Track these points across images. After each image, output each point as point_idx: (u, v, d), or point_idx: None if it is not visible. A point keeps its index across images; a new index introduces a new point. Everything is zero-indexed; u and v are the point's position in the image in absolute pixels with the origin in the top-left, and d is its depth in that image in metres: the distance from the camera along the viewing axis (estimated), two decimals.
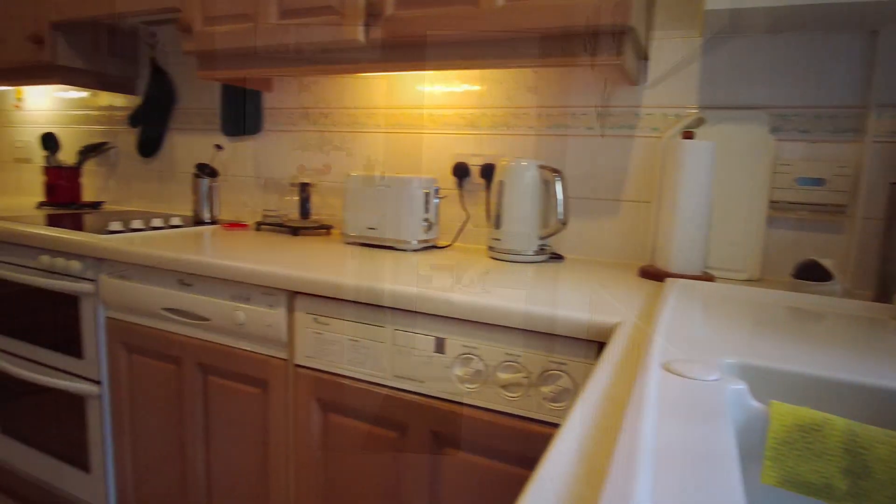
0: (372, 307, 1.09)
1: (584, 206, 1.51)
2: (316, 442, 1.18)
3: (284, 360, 1.20)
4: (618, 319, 0.88)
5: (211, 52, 1.60)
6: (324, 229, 1.75)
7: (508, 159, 1.40)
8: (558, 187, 1.34)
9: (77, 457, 1.59)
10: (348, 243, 1.56)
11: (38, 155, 2.55)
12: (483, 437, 1.00)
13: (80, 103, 2.41)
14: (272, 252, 1.36)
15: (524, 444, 0.97)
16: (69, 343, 1.54)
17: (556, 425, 0.95)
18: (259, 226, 1.79)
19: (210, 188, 1.86)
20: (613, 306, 0.96)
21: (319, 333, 1.14)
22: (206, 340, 1.31)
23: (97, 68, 2.06)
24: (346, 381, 1.13)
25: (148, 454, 1.46)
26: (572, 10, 1.13)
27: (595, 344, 0.92)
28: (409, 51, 1.35)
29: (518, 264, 1.35)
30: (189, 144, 2.13)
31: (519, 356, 0.96)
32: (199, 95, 2.09)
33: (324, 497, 1.19)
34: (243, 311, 1.23)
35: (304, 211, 1.72)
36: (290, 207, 1.76)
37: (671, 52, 1.39)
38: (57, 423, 1.62)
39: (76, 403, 1.56)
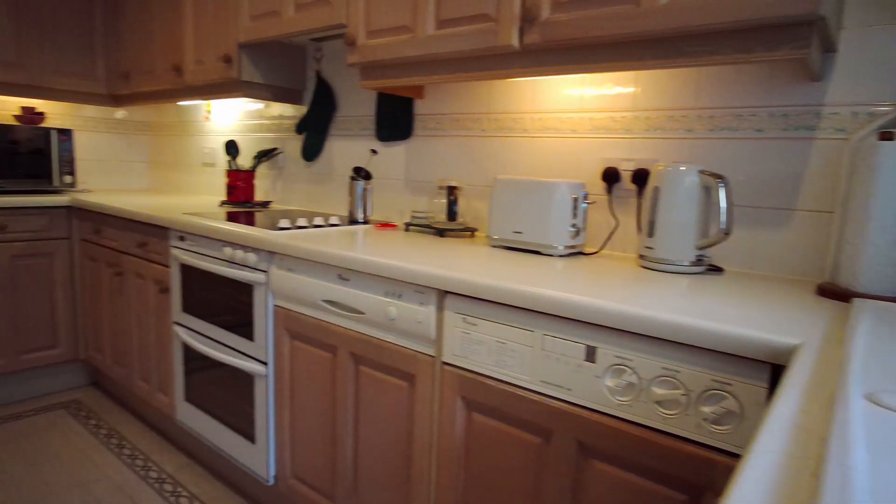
0: (520, 310, 1.09)
1: (749, 216, 1.39)
2: (459, 438, 1.21)
3: (432, 356, 1.25)
4: (798, 341, 0.79)
5: (372, 63, 1.71)
6: (468, 231, 1.79)
7: (665, 164, 1.33)
8: (722, 194, 1.25)
9: (244, 428, 1.78)
10: (493, 246, 1.58)
11: (221, 160, 2.90)
12: (633, 453, 0.96)
13: (255, 114, 2.70)
14: (421, 252, 1.42)
15: (678, 466, 0.91)
16: (243, 326, 1.73)
17: (718, 449, 0.88)
18: (407, 226, 1.87)
19: (364, 190, 1.99)
20: (791, 326, 0.87)
21: (467, 333, 1.17)
22: (360, 332, 1.40)
23: (272, 82, 2.30)
24: (492, 383, 1.14)
25: (303, 432, 1.59)
26: (749, 2, 1.05)
27: (767, 366, 0.84)
28: (563, 54, 1.34)
29: (672, 275, 1.27)
30: (346, 149, 2.30)
31: (677, 372, 0.91)
32: (357, 104, 2.24)
33: (463, 492, 1.21)
34: (395, 307, 1.29)
35: (451, 213, 1.77)
36: (437, 209, 1.82)
37: (865, 42, 1.23)
38: (230, 396, 1.83)
39: (246, 380, 1.74)
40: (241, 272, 1.68)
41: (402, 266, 1.25)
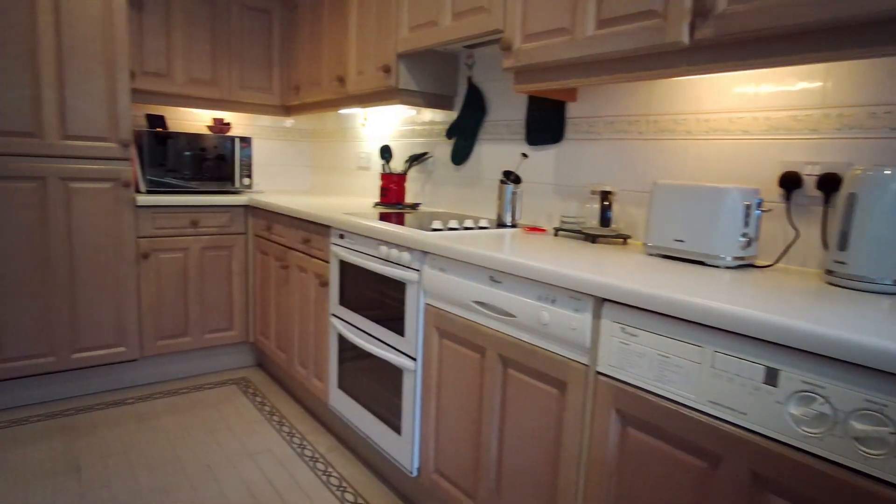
0: (687, 323, 1.02)
1: None
2: (611, 452, 1.16)
3: (585, 365, 1.21)
4: None
5: (527, 66, 1.71)
6: (621, 238, 1.72)
7: (862, 168, 1.17)
8: None
9: (391, 419, 1.87)
10: (650, 254, 1.50)
11: (375, 163, 3.08)
12: (821, 493, 0.85)
13: (408, 120, 2.83)
14: (574, 258, 1.39)
15: None
16: (395, 321, 1.82)
17: None
18: (556, 231, 1.85)
19: (514, 194, 2.00)
20: None
21: (626, 344, 1.12)
22: (510, 335, 1.40)
23: (425, 89, 2.39)
24: (651, 398, 1.08)
25: (448, 428, 1.63)
26: None
27: None
28: (740, 48, 1.23)
29: (869, 294, 1.11)
30: (495, 153, 2.32)
31: (885, 406, 0.79)
32: (507, 108, 2.26)
33: None
34: (548, 312, 1.27)
35: (604, 219, 1.71)
36: (588, 214, 1.77)
37: None
38: (379, 387, 1.93)
39: (395, 374, 1.83)
40: (395, 270, 1.77)
41: (558, 271, 1.23)
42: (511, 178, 2.02)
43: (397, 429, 1.84)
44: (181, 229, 2.74)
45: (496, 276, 1.43)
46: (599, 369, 1.18)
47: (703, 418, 1.00)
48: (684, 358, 1.02)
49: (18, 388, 2.49)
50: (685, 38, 1.30)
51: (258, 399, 2.68)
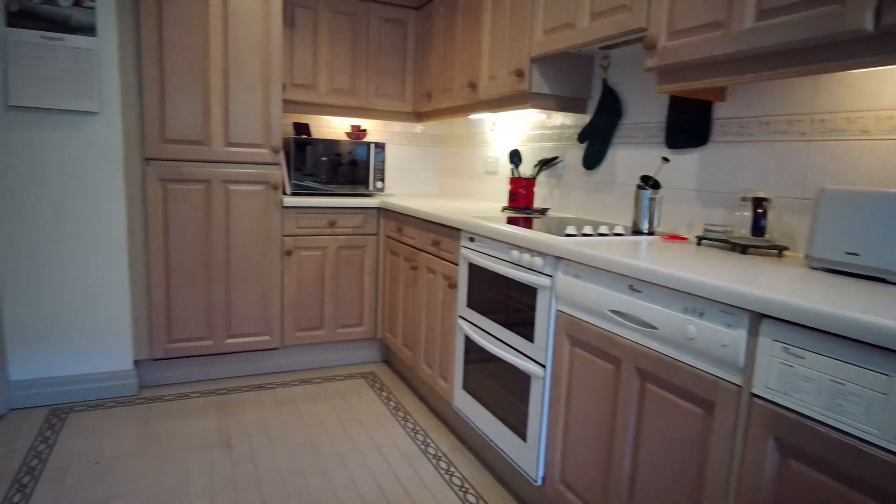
0: (871, 348, 0.90)
1: None
2: (767, 484, 1.05)
3: (738, 385, 1.11)
4: None
5: (672, 65, 1.62)
6: (776, 249, 1.57)
7: None
8: None
9: (516, 424, 1.85)
10: (814, 268, 1.34)
11: (503, 168, 3.09)
12: None
13: (538, 124, 2.81)
14: (723, 269, 1.29)
15: None
16: (523, 326, 1.80)
17: None
18: (700, 240, 1.72)
19: (652, 200, 1.90)
20: None
21: (789, 366, 1.01)
22: (649, 348, 1.33)
23: (558, 92, 2.35)
24: (820, 428, 0.97)
25: (577, 439, 1.58)
26: None
27: None
28: None
29: None
30: (630, 157, 2.23)
31: None
32: (644, 111, 2.15)
33: None
34: (695, 326, 1.19)
35: (757, 227, 1.57)
36: (737, 223, 1.63)
37: None
38: (504, 392, 1.92)
39: (522, 379, 1.81)
40: (526, 275, 1.76)
41: (708, 282, 1.15)
42: (649, 183, 1.92)
43: (522, 435, 1.82)
44: (320, 229, 2.93)
45: (636, 284, 1.36)
46: (755, 391, 1.08)
47: (889, 458, 0.87)
48: (865, 387, 0.90)
49: (183, 366, 2.82)
50: (869, 25, 1.15)
51: (384, 394, 2.79)
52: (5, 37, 2.25)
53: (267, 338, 2.90)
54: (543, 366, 1.71)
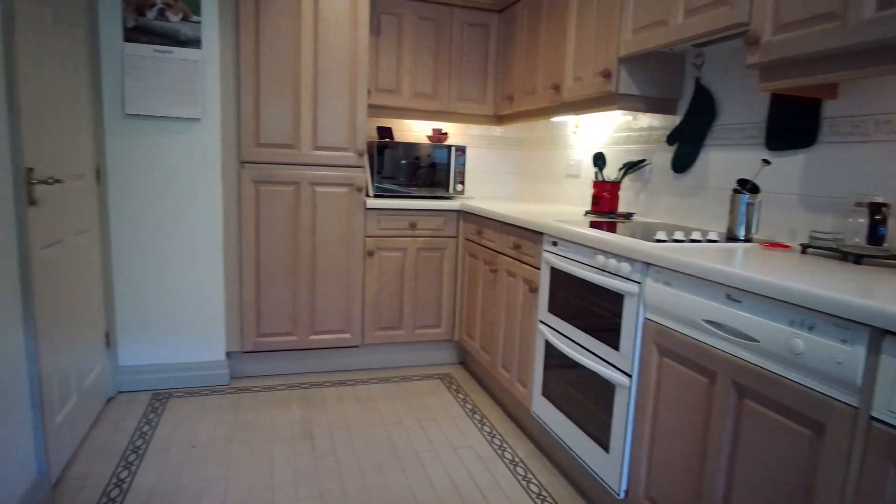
0: None
1: None
2: None
3: (854, 407, 1.02)
4: None
5: (777, 61, 1.52)
6: (895, 260, 1.43)
7: None
8: None
9: (598, 434, 1.80)
10: None
11: (585, 171, 3.02)
12: None
13: (623, 126, 2.72)
14: (835, 279, 1.19)
15: None
16: (608, 334, 1.75)
17: None
18: (804, 248, 1.61)
19: (749, 205, 1.79)
20: None
21: None
22: (749, 362, 1.25)
23: (646, 93, 2.27)
24: None
25: (664, 454, 1.52)
26: None
27: None
28: None
29: None
30: (724, 160, 2.11)
31: None
32: (741, 111, 2.04)
33: None
34: (803, 340, 1.11)
35: (875, 236, 1.44)
36: (850, 231, 1.51)
37: None
38: (586, 400, 1.87)
39: (606, 388, 1.76)
40: (612, 281, 1.71)
41: (820, 293, 1.06)
42: (747, 186, 1.81)
43: (605, 446, 1.76)
44: (401, 230, 2.99)
45: (735, 294, 1.28)
46: (875, 415, 0.98)
47: None
48: None
49: (269, 359, 2.95)
50: None
51: (461, 396, 2.80)
52: (122, 51, 2.46)
53: (348, 335, 2.99)
54: (629, 375, 1.65)
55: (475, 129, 3.66)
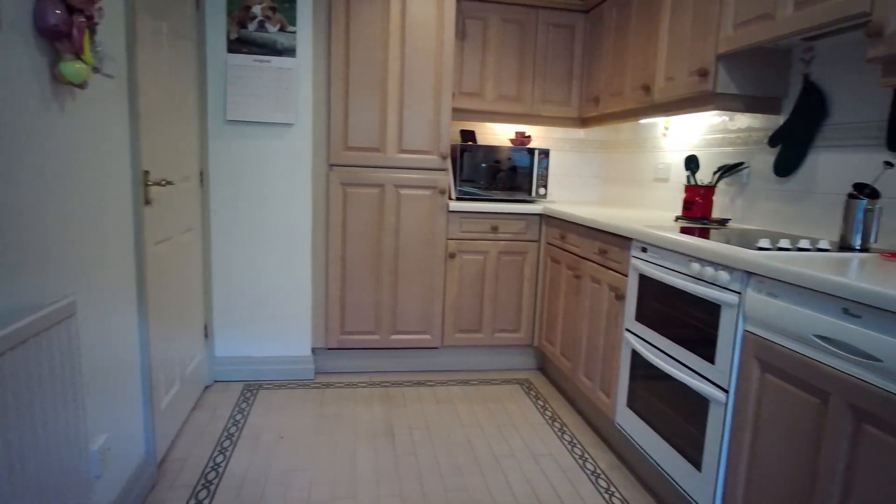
0: None
1: None
2: None
3: None
4: None
5: None
6: None
7: None
8: None
9: (688, 451, 1.71)
10: None
11: (675, 175, 2.90)
12: None
13: (717, 127, 2.58)
14: None
15: None
16: (702, 345, 1.66)
17: None
18: None
19: (868, 211, 1.64)
20: None
21: None
22: (869, 383, 1.14)
23: (747, 92, 2.14)
24: None
25: (764, 476, 1.42)
26: None
27: None
28: None
29: None
30: (836, 163, 1.95)
31: None
32: (858, 108, 1.87)
33: None
34: None
35: None
36: None
37: None
38: (675, 414, 1.79)
39: (699, 403, 1.67)
40: (708, 290, 1.62)
41: None
42: (865, 191, 1.66)
43: (696, 463, 1.67)
44: (482, 234, 2.99)
45: (853, 308, 1.18)
46: None
47: None
48: None
49: (352, 357, 3.04)
50: None
51: (540, 402, 2.76)
52: (226, 61, 2.62)
53: (428, 337, 3.02)
54: (726, 391, 1.56)
55: (557, 132, 3.61)
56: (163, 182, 1.94)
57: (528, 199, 3.17)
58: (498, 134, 3.52)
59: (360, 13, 2.74)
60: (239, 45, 2.62)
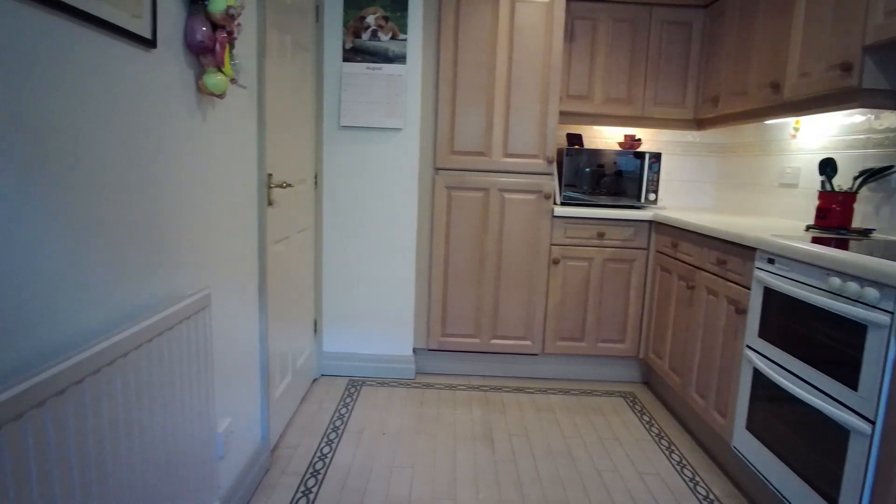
0: None
1: None
2: None
3: None
4: None
5: None
6: None
7: None
8: None
9: (823, 486, 1.55)
10: None
11: (806, 180, 2.65)
12: None
13: (858, 127, 2.33)
14: None
15: None
16: (843, 369, 1.50)
17: None
18: None
19: None
20: None
21: None
22: None
23: None
24: None
25: None
26: None
27: None
28: None
29: None
30: None
31: None
32: None
33: None
34: None
35: None
36: None
37: None
38: (807, 443, 1.63)
39: (836, 433, 1.51)
40: (850, 308, 1.46)
41: None
42: None
43: (831, 499, 1.51)
44: (587, 240, 2.90)
45: None
46: None
47: None
48: None
49: (452, 359, 3.07)
50: None
51: (645, 418, 2.63)
52: (341, 69, 2.75)
53: (528, 343, 2.98)
54: (872, 422, 1.39)
55: (665, 135, 3.43)
56: (283, 185, 2.06)
57: (635, 204, 3.03)
58: (606, 137, 3.41)
59: (469, 18, 2.77)
60: (353, 54, 2.74)
